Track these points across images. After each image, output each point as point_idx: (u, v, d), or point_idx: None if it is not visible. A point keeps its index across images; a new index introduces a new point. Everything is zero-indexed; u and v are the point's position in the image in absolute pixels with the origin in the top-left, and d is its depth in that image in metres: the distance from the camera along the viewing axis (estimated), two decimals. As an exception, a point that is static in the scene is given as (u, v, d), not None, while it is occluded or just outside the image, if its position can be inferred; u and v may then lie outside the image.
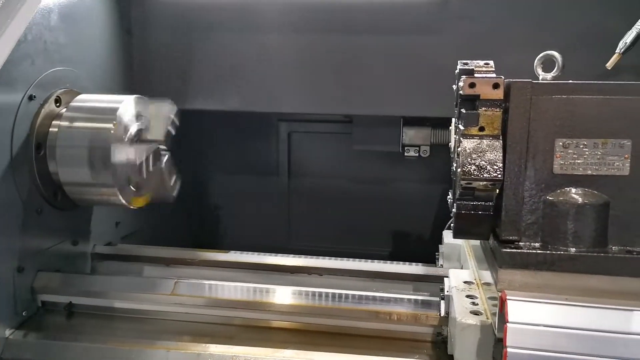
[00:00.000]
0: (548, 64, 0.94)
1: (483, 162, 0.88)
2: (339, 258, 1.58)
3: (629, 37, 1.17)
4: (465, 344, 1.00)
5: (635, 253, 0.87)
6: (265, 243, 2.00)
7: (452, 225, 0.99)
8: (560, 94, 0.88)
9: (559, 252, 0.87)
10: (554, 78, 0.92)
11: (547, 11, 1.56)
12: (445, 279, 1.23)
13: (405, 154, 1.94)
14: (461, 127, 0.92)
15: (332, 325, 1.29)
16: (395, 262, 1.55)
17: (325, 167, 2.18)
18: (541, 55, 0.95)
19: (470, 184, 0.89)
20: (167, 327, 1.31)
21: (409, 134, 1.91)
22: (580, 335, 0.81)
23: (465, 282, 1.17)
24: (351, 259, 1.56)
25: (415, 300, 1.26)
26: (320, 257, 1.60)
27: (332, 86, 1.74)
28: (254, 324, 1.32)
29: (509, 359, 0.82)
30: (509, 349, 0.82)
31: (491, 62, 0.99)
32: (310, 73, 1.74)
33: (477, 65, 0.99)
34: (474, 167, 0.88)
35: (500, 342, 0.93)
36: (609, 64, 1.18)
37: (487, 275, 1.13)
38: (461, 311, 1.03)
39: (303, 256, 1.60)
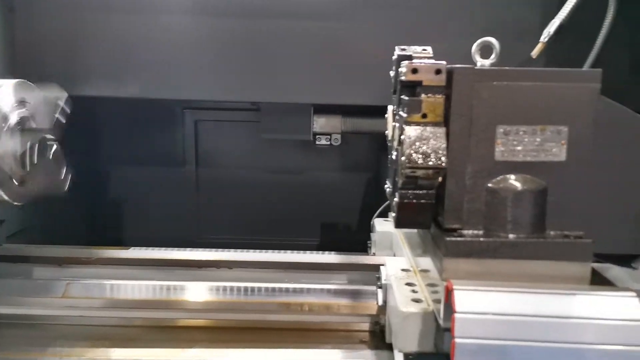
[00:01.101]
0: (486, 51, 0.92)
1: (427, 150, 0.84)
2: (253, 250, 1.49)
3: (552, 26, 1.17)
4: (408, 332, 0.97)
5: (572, 237, 0.86)
6: (173, 237, 1.90)
7: (393, 215, 0.95)
8: (501, 81, 0.85)
9: (501, 239, 0.86)
10: (492, 65, 0.90)
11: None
12: (381, 267, 1.20)
13: (317, 142, 1.87)
14: (403, 114, 0.88)
15: (251, 320, 1.23)
16: (325, 252, 1.51)
17: (235, 157, 2.05)
18: (479, 41, 0.92)
19: (415, 172, 0.85)
20: (61, 333, 1.19)
21: (320, 122, 1.83)
22: (525, 321, 0.79)
23: (403, 270, 1.14)
24: (267, 251, 1.47)
25: (351, 290, 1.22)
26: (232, 250, 1.50)
27: (238, 72, 1.64)
28: (157, 323, 1.23)
29: (457, 349, 0.79)
30: (457, 340, 0.79)
31: (429, 48, 0.96)
32: (215, 59, 1.63)
33: (415, 51, 0.95)
34: (418, 155, 0.84)
35: (444, 332, 0.90)
36: (534, 53, 1.18)
37: (423, 263, 1.11)
38: (402, 299, 1.00)
39: (212, 250, 1.50)
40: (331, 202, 2.02)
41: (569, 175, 0.86)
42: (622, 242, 0.91)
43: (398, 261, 1.19)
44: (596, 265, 0.96)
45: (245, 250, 1.49)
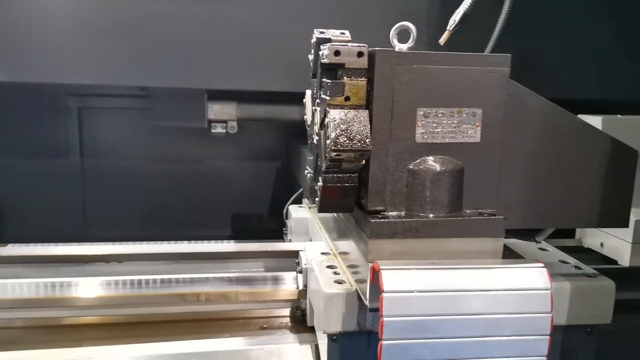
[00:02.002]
0: (403, 35, 0.92)
1: (352, 133, 0.83)
2: (150, 242, 1.40)
3: (457, 15, 1.20)
4: (332, 313, 0.96)
5: (486, 215, 0.89)
6: (57, 233, 1.73)
7: (316, 199, 0.93)
8: (420, 64, 0.86)
9: (422, 219, 0.87)
10: (409, 49, 0.90)
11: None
12: (300, 252, 1.18)
13: (212, 130, 1.76)
14: (325, 97, 0.86)
15: (166, 313, 1.17)
16: (240, 241, 1.47)
17: (125, 146, 1.86)
18: (397, 26, 0.92)
19: (340, 155, 0.83)
20: None
21: (215, 109, 1.73)
22: (447, 296, 0.81)
23: (322, 254, 1.13)
24: (177, 242, 1.40)
25: (271, 277, 1.19)
26: (123, 243, 1.40)
27: (125, 55, 1.50)
28: (41, 323, 1.14)
29: (386, 328, 0.79)
30: (385, 319, 0.79)
31: (347, 32, 0.94)
32: (99, 40, 1.49)
33: (334, 34, 0.93)
34: (343, 137, 0.83)
35: (370, 311, 0.91)
36: (442, 40, 1.20)
37: (342, 245, 1.11)
38: (325, 282, 0.99)
39: (100, 244, 1.39)
40: (237, 192, 1.91)
41: (483, 156, 0.89)
42: (527, 218, 0.96)
43: (317, 245, 1.18)
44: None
45: (142, 243, 1.39)
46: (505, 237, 1.00)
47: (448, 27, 1.21)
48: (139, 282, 1.16)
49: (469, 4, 1.19)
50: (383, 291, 0.79)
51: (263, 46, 1.54)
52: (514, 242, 1.03)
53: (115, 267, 1.27)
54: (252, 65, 1.54)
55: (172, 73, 1.52)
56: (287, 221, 1.53)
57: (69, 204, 1.86)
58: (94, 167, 1.85)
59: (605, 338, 1.04)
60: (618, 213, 0.97)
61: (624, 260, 1.16)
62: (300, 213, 1.48)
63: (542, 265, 0.85)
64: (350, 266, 1.04)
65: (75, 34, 1.47)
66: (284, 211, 1.58)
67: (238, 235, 1.81)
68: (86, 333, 1.12)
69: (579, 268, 1.10)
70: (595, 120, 1.18)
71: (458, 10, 1.21)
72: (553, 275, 1.06)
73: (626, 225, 0.98)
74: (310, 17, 1.53)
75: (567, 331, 1.04)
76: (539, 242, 1.03)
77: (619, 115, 1.24)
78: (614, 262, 1.18)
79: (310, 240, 1.38)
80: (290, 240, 1.47)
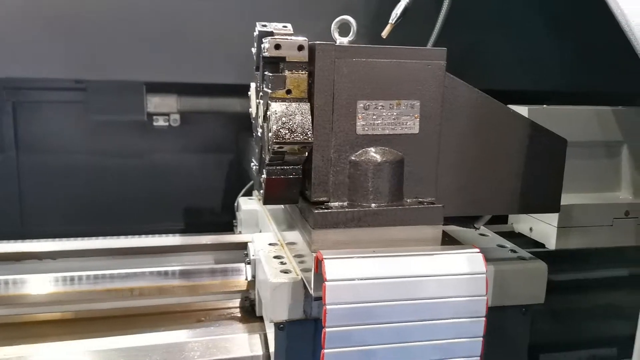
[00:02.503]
0: (344, 29, 0.93)
1: (294, 126, 0.83)
2: (92, 238, 1.34)
3: (399, 9, 1.22)
4: (278, 302, 0.97)
5: (425, 203, 0.92)
6: None
7: (261, 191, 0.93)
8: (360, 57, 0.87)
9: (364, 209, 0.88)
10: (350, 42, 0.91)
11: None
12: (249, 244, 1.18)
13: (154, 123, 1.71)
14: (268, 90, 0.86)
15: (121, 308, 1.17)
16: (190, 234, 1.44)
17: (63, 141, 1.78)
18: (337, 19, 0.93)
19: (282, 147, 0.84)
20: None
21: (154, 102, 1.68)
22: (388, 283, 0.83)
23: (270, 244, 1.13)
24: (121, 237, 1.36)
25: (220, 269, 1.19)
26: (63, 239, 1.33)
27: (60, 47, 1.44)
28: None
29: (329, 315, 0.80)
30: (328, 307, 0.80)
31: (289, 25, 0.94)
32: (32, 32, 1.42)
33: (276, 27, 0.93)
34: (285, 130, 0.83)
35: (314, 300, 0.92)
36: (384, 34, 1.22)
37: (289, 236, 1.11)
38: (272, 272, 0.99)
39: (37, 241, 1.33)
40: (186, 185, 1.85)
41: (422, 146, 0.91)
42: (464, 205, 0.99)
43: (265, 237, 1.18)
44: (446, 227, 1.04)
45: (84, 239, 1.34)
46: (446, 225, 1.04)
47: (390, 21, 1.22)
48: (83, 278, 1.14)
49: (409, -1, 1.21)
50: (326, 280, 0.80)
51: (203, 38, 1.51)
52: (457, 230, 1.06)
53: (48, 264, 1.24)
54: (191, 57, 1.51)
55: (109, 66, 1.48)
56: (237, 213, 1.52)
57: (5, 201, 1.77)
58: (30, 163, 1.77)
59: (538, 317, 1.10)
60: (550, 199, 1.01)
61: (551, 244, 1.22)
62: (250, 205, 1.48)
63: (477, 250, 0.88)
64: (297, 256, 1.04)
65: (7, 26, 1.41)
66: (235, 204, 1.57)
67: (189, 228, 1.78)
68: (17, 332, 1.09)
69: (515, 252, 1.15)
70: (522, 110, 1.23)
71: (400, 4, 1.22)
72: (491, 259, 1.11)
73: (557, 211, 1.02)
74: (253, 9, 1.52)
75: (504, 312, 1.08)
76: (478, 229, 1.07)
77: (544, 106, 1.29)
78: (542, 245, 1.23)
79: (260, 232, 1.38)
80: (240, 233, 1.47)
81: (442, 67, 0.90)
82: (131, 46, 1.47)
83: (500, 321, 1.09)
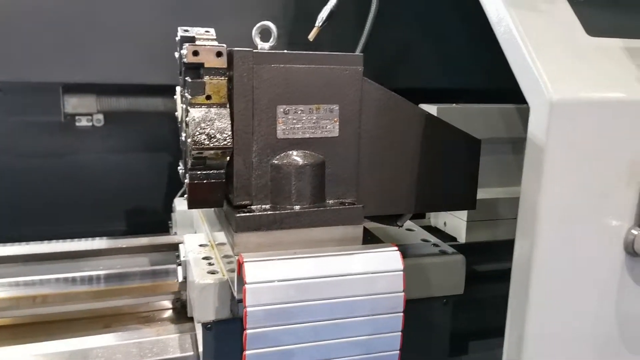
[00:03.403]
0: (265, 34, 0.93)
1: (212, 131, 0.83)
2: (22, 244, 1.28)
3: (325, 12, 1.22)
4: (205, 303, 0.97)
5: (346, 204, 0.93)
6: None
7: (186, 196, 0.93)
8: (278, 63, 0.87)
9: (286, 211, 0.89)
10: (271, 48, 0.91)
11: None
12: (180, 245, 1.17)
13: (77, 124, 1.63)
14: (188, 96, 0.85)
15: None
16: (125, 236, 1.41)
17: None
18: (258, 25, 0.92)
19: (202, 153, 0.83)
20: None
21: (72, 102, 1.59)
22: (308, 283, 0.84)
23: (200, 246, 1.13)
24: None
25: (151, 271, 1.17)
26: None
27: None
28: None
29: (249, 317, 0.81)
30: (248, 309, 0.80)
31: (212, 30, 0.93)
32: None
33: (198, 32, 0.91)
34: (204, 136, 0.82)
35: (238, 302, 0.92)
36: (311, 36, 1.22)
37: (220, 236, 1.11)
38: (199, 273, 0.99)
39: None
40: (119, 186, 1.76)
41: (342, 149, 0.93)
42: (384, 205, 1.01)
43: (196, 238, 1.17)
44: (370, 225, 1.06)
45: (17, 243, 1.29)
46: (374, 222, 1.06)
47: (316, 24, 1.22)
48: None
49: (335, 1, 1.21)
50: (246, 283, 0.80)
51: (120, 38, 1.47)
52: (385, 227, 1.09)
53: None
54: (107, 58, 1.46)
55: (24, 67, 1.41)
56: (172, 215, 1.50)
57: None
58: None
59: (458, 306, 1.14)
60: (466, 197, 1.05)
61: (462, 237, 1.26)
62: (185, 206, 1.45)
63: (395, 248, 0.91)
64: (225, 257, 1.05)
65: None
66: (173, 204, 1.55)
67: (125, 230, 1.73)
68: None
69: (437, 246, 1.19)
70: (431, 109, 1.26)
71: (325, 7, 1.23)
72: (415, 253, 1.14)
73: (473, 208, 1.06)
74: (174, 9, 1.48)
75: (426, 303, 1.12)
76: (401, 226, 1.09)
77: (454, 105, 1.33)
78: (455, 239, 1.28)
79: (195, 233, 1.37)
80: (175, 233, 1.45)
81: (360, 72, 0.91)
82: (46, 47, 1.42)
83: (424, 312, 1.13)
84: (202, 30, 0.93)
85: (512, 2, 0.75)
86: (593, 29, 0.77)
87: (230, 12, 1.50)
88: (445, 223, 1.33)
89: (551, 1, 0.78)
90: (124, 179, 1.75)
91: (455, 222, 1.28)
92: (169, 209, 1.58)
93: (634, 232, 0.77)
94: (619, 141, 0.70)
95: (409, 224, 1.30)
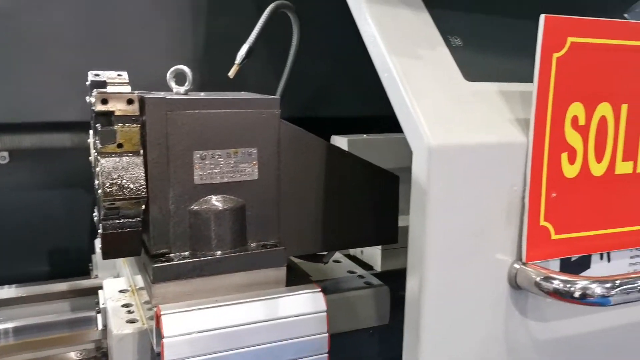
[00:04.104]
0: (180, 78, 0.91)
1: (125, 181, 0.80)
2: None
3: (243, 50, 1.21)
4: (124, 354, 0.93)
5: (268, 246, 0.92)
6: None
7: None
8: (193, 109, 0.85)
9: (206, 258, 0.87)
10: (186, 91, 0.90)
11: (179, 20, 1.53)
12: (99, 291, 1.12)
13: None
14: (99, 145, 0.81)
15: None
16: (41, 282, 1.32)
17: None
18: (172, 69, 0.91)
19: (114, 204, 0.80)
20: None
21: None
22: (230, 332, 0.82)
23: (120, 291, 1.08)
24: None
25: (69, 320, 1.11)
26: None
27: None
28: None
29: (169, 372, 0.78)
30: (167, 363, 0.77)
31: (124, 74, 0.91)
32: None
33: (110, 76, 0.88)
34: (115, 187, 0.79)
35: (157, 356, 0.88)
36: (231, 74, 1.21)
37: (140, 281, 1.07)
38: (117, 322, 0.95)
39: None
40: (31, 226, 1.61)
41: (262, 191, 0.92)
42: (310, 243, 1.01)
43: (116, 283, 1.12)
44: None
45: None
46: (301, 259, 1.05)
47: (236, 62, 1.21)
48: None
49: (253, 38, 1.21)
50: (163, 337, 0.78)
51: (24, 75, 1.40)
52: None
53: None
54: (9, 96, 1.39)
55: None
56: (93, 256, 1.43)
57: None
58: None
59: (384, 336, 1.15)
60: (387, 232, 1.06)
61: (378, 266, 1.28)
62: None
63: (319, 289, 0.91)
64: (146, 302, 1.01)
65: None
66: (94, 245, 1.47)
67: (44, 273, 1.61)
68: None
69: (363, 277, 1.20)
70: (342, 141, 1.28)
71: (244, 45, 1.22)
72: (341, 287, 1.15)
73: (395, 242, 1.07)
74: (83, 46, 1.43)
75: (353, 336, 1.12)
76: (326, 263, 1.10)
77: (364, 135, 1.35)
78: (371, 267, 1.29)
79: (118, 275, 1.31)
80: (97, 276, 1.38)
81: (276, 115, 0.91)
82: None
83: (351, 345, 1.13)
84: (114, 74, 0.90)
85: (394, 50, 0.77)
86: (471, 73, 0.81)
87: (146, 51, 1.46)
88: (362, 251, 1.34)
89: (431, 47, 0.81)
90: (37, 218, 1.62)
91: (371, 251, 1.30)
92: (90, 249, 1.50)
93: (516, 266, 0.81)
94: (496, 181, 0.74)
95: (336, 254, 1.30)
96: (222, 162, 0.88)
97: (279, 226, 0.94)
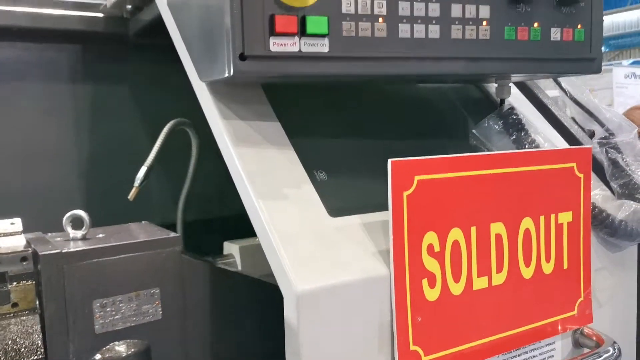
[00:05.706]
0: (77, 223, 0.91)
1: (20, 344, 0.78)
2: None
3: (141, 173, 1.23)
4: None
5: (176, 385, 0.92)
6: None
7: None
8: (90, 259, 0.86)
9: (111, 409, 0.84)
10: (83, 236, 0.90)
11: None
12: None
13: None
14: (-9, 307, 0.79)
15: None
16: None
17: None
18: (69, 214, 0.91)
19: (11, 370, 0.77)
20: None
21: None
22: None
23: None
24: None
25: None
26: None
27: None
28: None
29: None
30: None
31: (17, 221, 0.90)
32: None
33: (2, 227, 0.87)
34: (12, 352, 0.77)
35: None
36: (131, 196, 1.22)
37: None
38: None
39: None
40: None
41: (167, 330, 0.92)
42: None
43: None
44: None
45: None
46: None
47: (135, 184, 1.23)
48: None
49: (151, 160, 1.23)
50: None
51: None
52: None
53: None
54: None
55: None
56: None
57: None
58: None
59: None
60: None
61: None
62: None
63: None
64: None
65: None
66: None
67: None
68: None
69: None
70: (234, 248, 1.20)
71: (142, 168, 1.24)
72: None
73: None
74: None
75: None
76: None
77: (256, 239, 1.33)
78: None
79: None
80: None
81: (178, 253, 0.93)
82: None
83: None
84: (7, 222, 0.89)
85: (261, 194, 0.79)
86: (335, 208, 0.82)
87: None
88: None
89: (297, 185, 0.83)
90: None
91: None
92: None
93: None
94: (365, 314, 0.75)
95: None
96: (123, 308, 0.88)
97: (186, 361, 0.94)
